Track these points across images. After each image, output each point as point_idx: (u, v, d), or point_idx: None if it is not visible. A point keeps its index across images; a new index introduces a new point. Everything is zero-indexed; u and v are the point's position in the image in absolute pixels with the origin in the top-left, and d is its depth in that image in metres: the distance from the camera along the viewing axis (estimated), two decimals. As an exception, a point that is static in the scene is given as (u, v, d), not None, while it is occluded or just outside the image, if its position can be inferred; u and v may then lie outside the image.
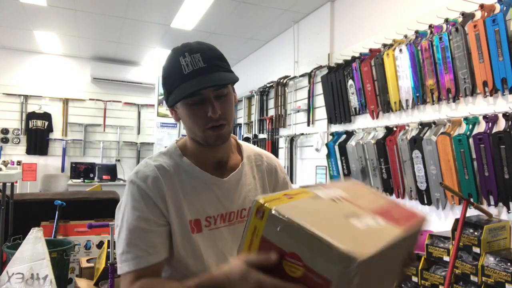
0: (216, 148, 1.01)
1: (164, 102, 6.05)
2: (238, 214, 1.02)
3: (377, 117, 3.08)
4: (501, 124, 2.14)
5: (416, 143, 2.57)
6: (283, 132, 4.57)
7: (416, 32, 2.67)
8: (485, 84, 2.19)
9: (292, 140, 4.28)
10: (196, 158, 1.02)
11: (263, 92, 5.04)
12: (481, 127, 2.26)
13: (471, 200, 2.24)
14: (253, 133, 5.22)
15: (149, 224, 0.92)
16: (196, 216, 0.97)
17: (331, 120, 3.62)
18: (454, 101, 2.42)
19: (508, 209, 2.10)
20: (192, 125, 0.95)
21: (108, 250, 1.79)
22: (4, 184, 2.40)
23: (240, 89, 5.89)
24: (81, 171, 5.62)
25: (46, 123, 6.07)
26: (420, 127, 2.63)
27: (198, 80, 0.90)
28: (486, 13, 2.19)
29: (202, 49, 0.93)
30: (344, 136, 3.40)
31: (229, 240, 1.00)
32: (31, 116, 6.00)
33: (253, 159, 1.11)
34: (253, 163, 1.10)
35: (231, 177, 1.03)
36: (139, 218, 0.92)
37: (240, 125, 5.75)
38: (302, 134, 4.12)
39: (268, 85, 4.87)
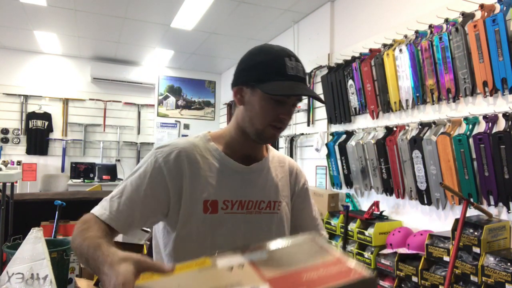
0: (253, 144, 1.05)
1: (163, 101, 5.95)
2: (256, 205, 1.04)
3: (377, 117, 3.08)
4: (501, 124, 2.14)
5: (416, 143, 2.57)
6: (283, 132, 4.57)
7: (416, 32, 2.67)
8: (485, 84, 2.19)
9: (292, 140, 4.28)
10: (226, 146, 1.06)
11: (263, 92, 5.04)
12: (481, 127, 2.26)
13: (471, 200, 2.24)
14: (253, 133, 5.22)
15: (138, 196, 0.95)
16: (214, 197, 0.99)
17: (331, 120, 3.62)
18: (454, 101, 2.42)
19: (508, 209, 2.10)
20: (258, 115, 0.98)
21: (108, 250, 1.79)
22: (4, 184, 2.40)
23: (240, 89, 5.88)
24: (81, 171, 5.62)
25: (46, 123, 6.07)
26: (420, 127, 2.62)
27: (300, 86, 0.97)
28: (486, 13, 2.19)
29: (299, 60, 1.01)
30: (344, 136, 3.40)
31: (242, 228, 1.01)
32: (31, 116, 5.99)
33: (277, 160, 1.16)
34: (276, 164, 1.14)
35: (254, 166, 1.06)
36: (136, 186, 0.96)
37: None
38: (302, 134, 4.12)
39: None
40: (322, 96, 3.73)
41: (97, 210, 0.94)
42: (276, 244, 0.81)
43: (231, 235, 0.99)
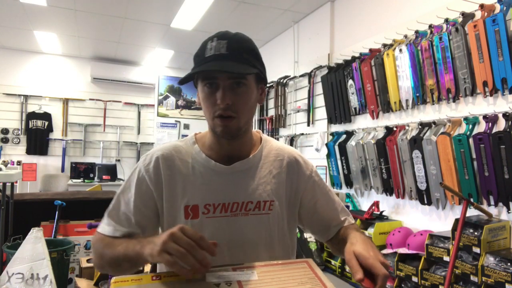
0: (229, 142, 0.98)
1: (163, 101, 5.97)
2: (242, 206, 0.97)
3: (377, 117, 3.08)
4: (501, 124, 2.14)
5: (416, 143, 2.57)
6: (283, 132, 4.57)
7: (416, 32, 2.67)
8: (485, 84, 2.19)
9: (292, 140, 4.28)
10: (210, 148, 1.01)
11: (263, 92, 5.04)
12: (481, 127, 2.25)
13: (471, 200, 2.24)
14: (253, 133, 5.22)
15: (129, 208, 0.97)
16: (194, 202, 0.96)
17: (331, 120, 3.62)
18: (454, 101, 2.42)
19: (508, 209, 2.10)
20: (205, 110, 0.95)
21: (108, 250, 1.78)
22: (4, 184, 2.40)
23: (240, 89, 5.88)
24: (81, 171, 5.62)
25: (46, 123, 6.07)
26: (420, 127, 2.62)
27: (213, 64, 0.89)
28: (486, 13, 2.19)
29: (232, 38, 0.92)
30: (344, 136, 3.40)
31: (227, 231, 0.96)
32: (31, 116, 5.99)
33: (274, 153, 1.05)
34: (272, 157, 1.05)
35: (237, 165, 0.99)
36: (128, 199, 0.98)
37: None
38: (302, 134, 4.12)
39: (268, 85, 4.87)
40: (322, 97, 3.73)
41: (102, 228, 0.98)
42: (270, 266, 0.83)
43: (215, 239, 0.95)
